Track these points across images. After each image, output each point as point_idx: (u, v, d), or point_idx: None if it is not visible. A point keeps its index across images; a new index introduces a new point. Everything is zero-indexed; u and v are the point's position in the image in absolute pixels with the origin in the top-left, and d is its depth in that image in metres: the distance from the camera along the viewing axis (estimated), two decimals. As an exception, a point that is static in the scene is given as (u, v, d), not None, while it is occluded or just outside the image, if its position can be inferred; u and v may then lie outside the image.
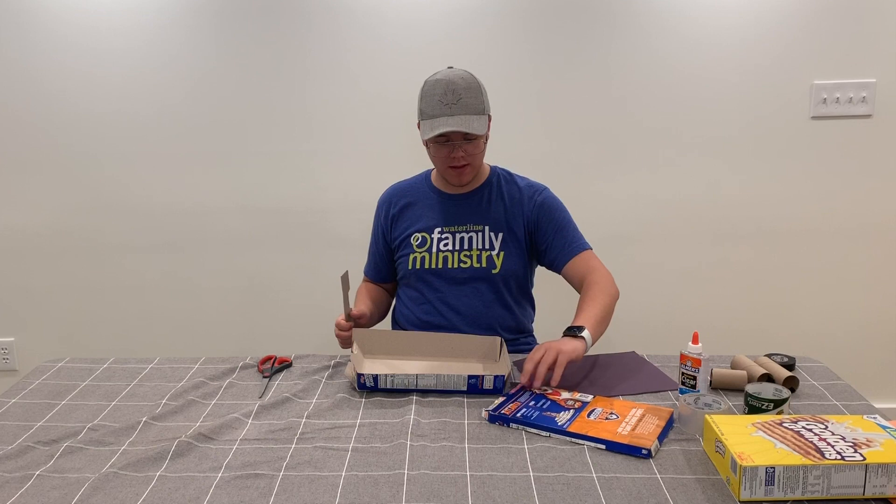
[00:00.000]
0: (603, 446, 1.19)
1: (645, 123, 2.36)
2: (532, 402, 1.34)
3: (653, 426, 1.23)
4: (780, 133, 2.35)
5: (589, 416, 1.28)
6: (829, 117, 2.33)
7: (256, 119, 2.39)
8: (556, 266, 1.71)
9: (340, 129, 2.39)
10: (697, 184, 2.40)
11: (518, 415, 1.28)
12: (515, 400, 1.35)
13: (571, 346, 1.40)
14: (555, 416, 1.27)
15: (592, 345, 1.47)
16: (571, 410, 1.30)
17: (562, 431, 1.23)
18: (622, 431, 1.21)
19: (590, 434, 1.21)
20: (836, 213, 2.40)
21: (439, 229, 1.72)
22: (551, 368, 1.37)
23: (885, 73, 2.29)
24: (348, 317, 1.61)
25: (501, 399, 1.36)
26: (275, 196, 2.45)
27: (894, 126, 2.33)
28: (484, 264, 1.68)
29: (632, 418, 1.26)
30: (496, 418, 1.29)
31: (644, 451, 1.16)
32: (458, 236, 1.71)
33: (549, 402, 1.34)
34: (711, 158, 2.38)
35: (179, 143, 2.41)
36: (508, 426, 1.28)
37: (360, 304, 1.74)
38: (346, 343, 1.62)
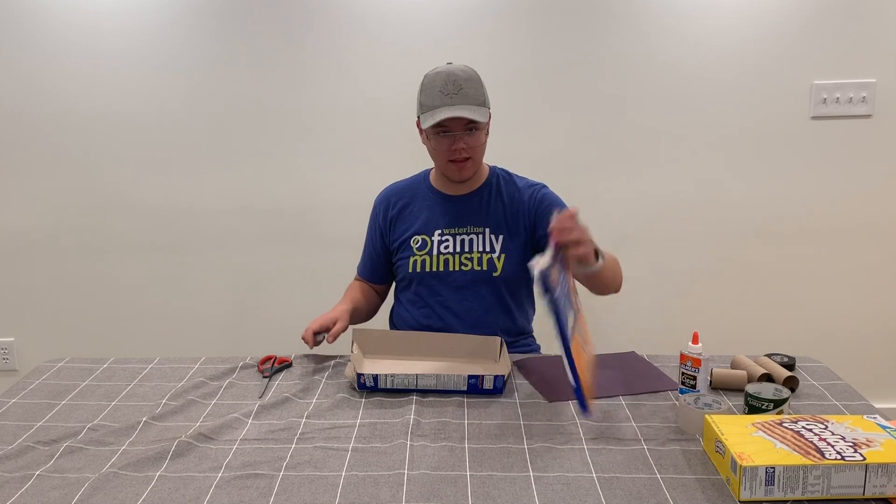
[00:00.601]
0: (574, 384, 1.18)
1: (645, 124, 2.36)
2: (562, 279, 1.24)
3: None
4: (780, 133, 2.35)
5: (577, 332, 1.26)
6: (829, 117, 2.33)
7: (255, 119, 2.39)
8: None
9: (339, 130, 2.39)
10: (697, 184, 2.40)
11: (556, 294, 1.17)
12: (558, 264, 1.22)
13: (591, 249, 1.30)
14: (567, 315, 1.20)
15: (600, 267, 1.38)
16: (573, 314, 1.24)
17: (566, 346, 1.17)
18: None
19: (576, 365, 1.18)
20: (836, 213, 2.40)
21: (439, 231, 1.70)
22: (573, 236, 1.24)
23: (885, 73, 2.29)
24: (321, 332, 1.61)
25: (551, 254, 1.20)
26: (274, 196, 2.45)
27: (894, 126, 2.33)
28: (485, 267, 1.67)
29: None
30: (540, 283, 1.16)
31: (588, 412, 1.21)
32: (458, 238, 1.69)
33: (567, 287, 1.26)
34: (711, 158, 2.38)
35: (179, 144, 2.41)
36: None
37: (346, 301, 1.75)
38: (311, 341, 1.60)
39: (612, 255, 1.56)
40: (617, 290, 1.64)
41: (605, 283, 1.54)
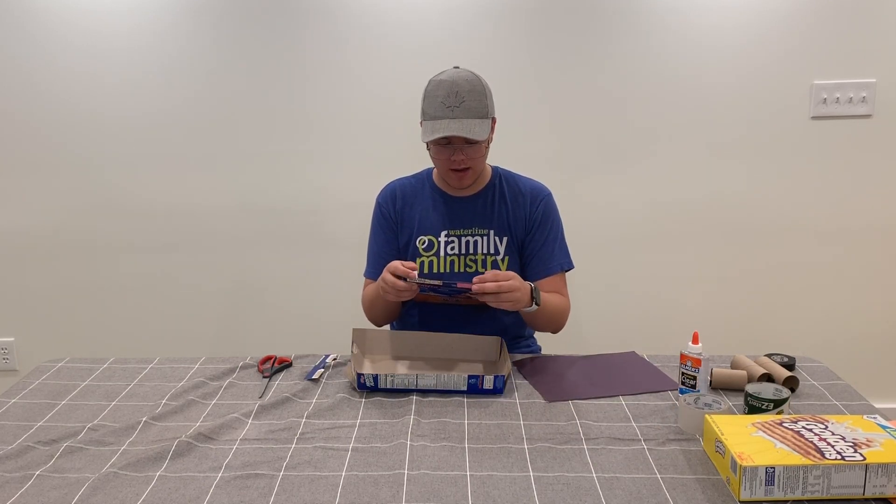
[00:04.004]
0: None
1: (644, 124, 2.36)
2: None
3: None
4: (780, 133, 2.35)
5: None
6: (829, 117, 2.33)
7: (256, 120, 2.39)
8: (526, 276, 1.67)
9: (340, 130, 2.39)
10: (698, 184, 2.40)
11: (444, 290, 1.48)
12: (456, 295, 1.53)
13: (525, 298, 1.49)
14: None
15: (535, 307, 1.54)
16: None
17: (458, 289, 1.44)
18: None
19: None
20: (836, 213, 2.40)
21: (445, 232, 1.69)
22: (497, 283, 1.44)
23: (885, 73, 2.29)
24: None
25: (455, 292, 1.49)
26: (274, 197, 2.45)
27: (894, 126, 2.33)
28: (489, 269, 1.66)
29: None
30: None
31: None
32: (463, 240, 1.68)
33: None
34: (712, 159, 2.38)
35: (179, 145, 2.41)
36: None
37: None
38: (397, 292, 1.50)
39: (556, 303, 1.64)
40: (553, 332, 1.71)
41: (537, 325, 1.69)
